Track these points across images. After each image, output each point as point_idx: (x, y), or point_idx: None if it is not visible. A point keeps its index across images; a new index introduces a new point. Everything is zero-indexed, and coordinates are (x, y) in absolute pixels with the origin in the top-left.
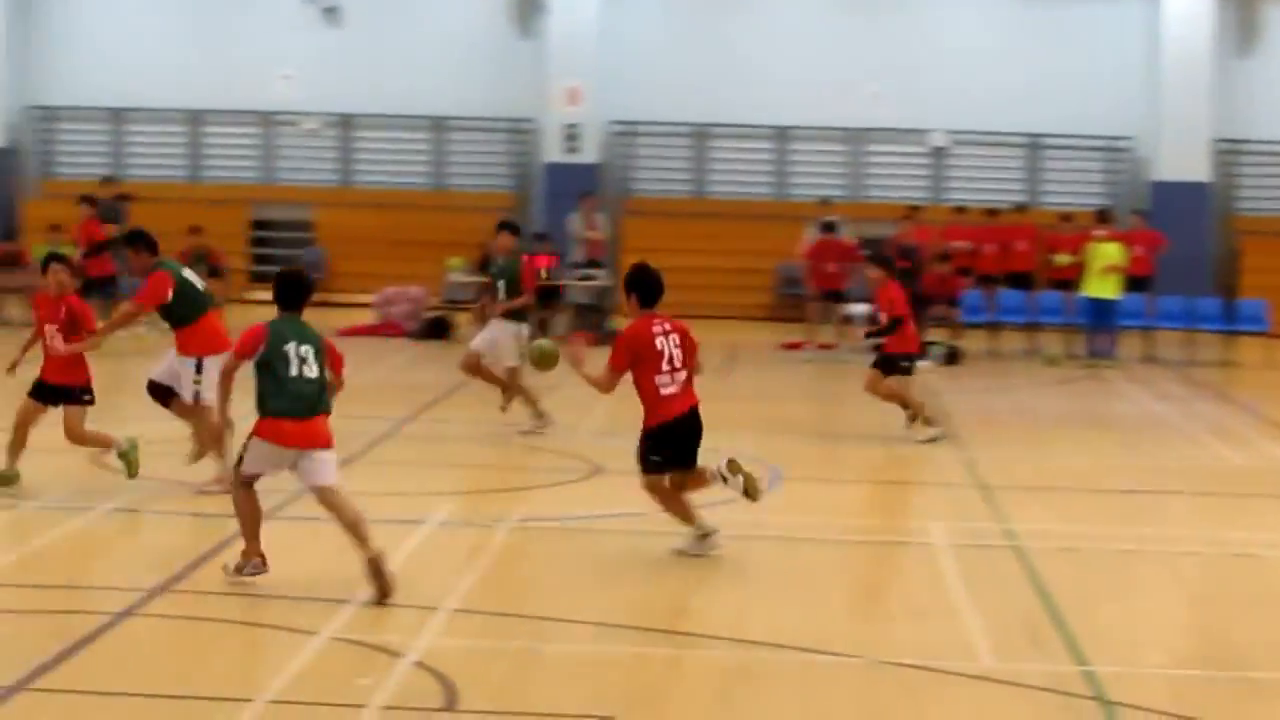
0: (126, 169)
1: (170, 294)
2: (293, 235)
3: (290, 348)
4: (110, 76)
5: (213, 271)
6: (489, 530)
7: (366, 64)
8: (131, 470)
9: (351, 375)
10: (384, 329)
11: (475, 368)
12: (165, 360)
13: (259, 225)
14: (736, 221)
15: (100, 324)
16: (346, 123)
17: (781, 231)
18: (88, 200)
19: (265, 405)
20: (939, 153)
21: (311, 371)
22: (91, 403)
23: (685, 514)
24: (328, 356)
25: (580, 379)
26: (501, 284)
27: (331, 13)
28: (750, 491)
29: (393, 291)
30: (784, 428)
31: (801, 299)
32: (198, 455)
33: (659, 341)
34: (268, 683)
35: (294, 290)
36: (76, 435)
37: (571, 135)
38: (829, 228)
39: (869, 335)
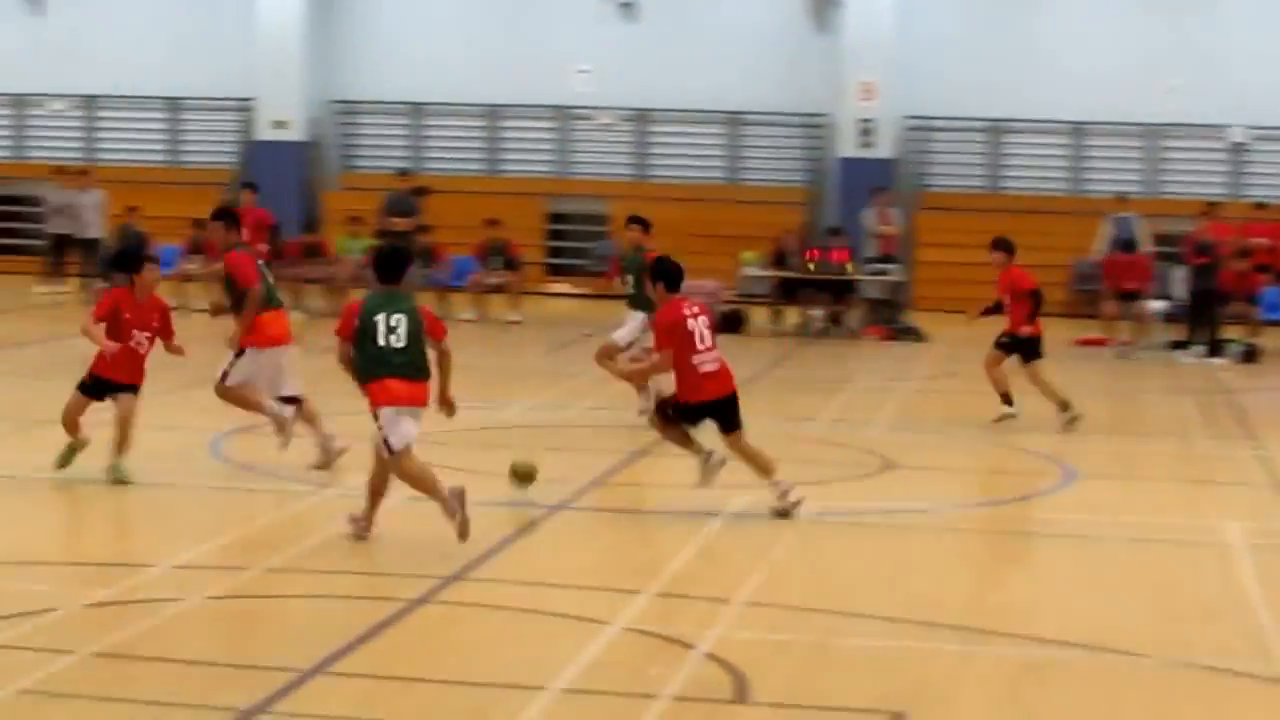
0: (424, 162)
1: (255, 273)
2: (588, 228)
3: (380, 319)
4: (409, 71)
5: (509, 264)
6: (782, 524)
7: (662, 59)
8: (62, 463)
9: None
10: None
11: (610, 357)
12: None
13: (555, 218)
14: (1031, 217)
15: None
16: (642, 117)
17: (1077, 227)
18: (249, 186)
19: (364, 373)
20: (1238, 148)
21: (399, 341)
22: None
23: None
24: (426, 325)
25: (647, 375)
26: (630, 278)
27: (628, 8)
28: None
29: (687, 285)
30: (1078, 425)
31: (1097, 295)
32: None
33: (690, 323)
34: (560, 672)
35: (391, 265)
36: (128, 422)
37: (866, 130)
38: (1128, 246)
39: (985, 312)
